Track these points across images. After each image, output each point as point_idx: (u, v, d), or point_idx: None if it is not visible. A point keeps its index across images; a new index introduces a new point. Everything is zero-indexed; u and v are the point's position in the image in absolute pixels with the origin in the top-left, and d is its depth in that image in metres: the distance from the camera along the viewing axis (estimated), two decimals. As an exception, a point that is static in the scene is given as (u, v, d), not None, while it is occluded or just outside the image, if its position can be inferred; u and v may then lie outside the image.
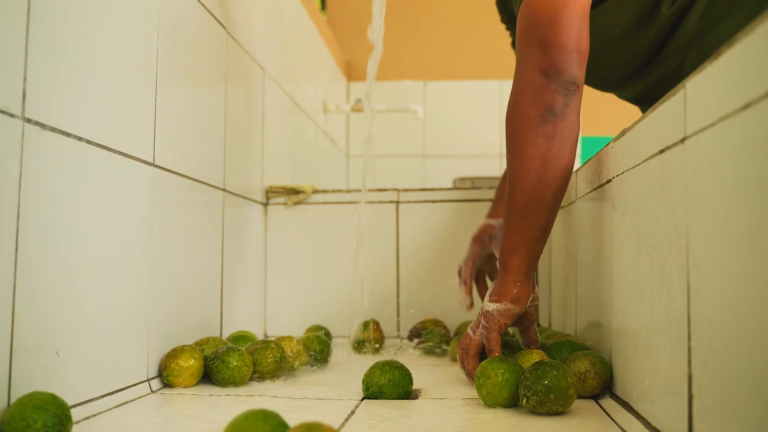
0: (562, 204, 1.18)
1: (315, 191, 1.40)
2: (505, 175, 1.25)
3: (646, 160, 0.65)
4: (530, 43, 0.90)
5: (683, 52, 1.05)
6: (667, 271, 0.59)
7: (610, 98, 2.70)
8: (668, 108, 0.58)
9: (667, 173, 0.59)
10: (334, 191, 1.42)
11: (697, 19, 1.01)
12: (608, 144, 0.82)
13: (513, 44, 1.26)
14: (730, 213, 0.45)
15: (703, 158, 0.50)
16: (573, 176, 1.08)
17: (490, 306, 0.91)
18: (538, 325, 1.21)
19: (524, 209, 0.89)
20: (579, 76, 0.89)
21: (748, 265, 0.42)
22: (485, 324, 0.90)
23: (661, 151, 0.60)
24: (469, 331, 0.93)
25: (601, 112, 2.64)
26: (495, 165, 2.51)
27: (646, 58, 1.09)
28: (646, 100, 1.17)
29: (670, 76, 1.08)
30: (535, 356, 0.87)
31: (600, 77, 1.15)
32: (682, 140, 0.54)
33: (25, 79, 0.60)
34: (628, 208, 0.73)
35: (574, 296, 1.07)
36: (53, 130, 0.65)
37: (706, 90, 0.50)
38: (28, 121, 0.61)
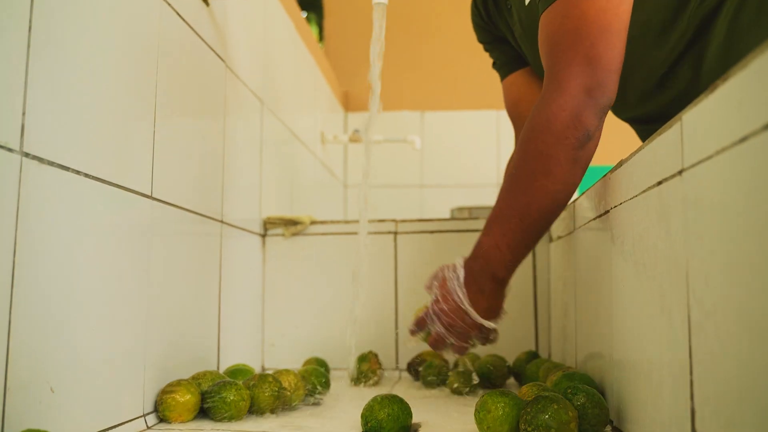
0: (561, 234, 1.18)
1: (313, 222, 1.40)
2: (506, 173, 1.16)
3: (645, 191, 0.65)
4: (575, 56, 0.85)
5: (700, 62, 0.98)
6: (667, 303, 0.58)
7: (607, 127, 2.70)
8: (665, 140, 0.58)
9: (665, 205, 0.59)
10: (332, 222, 1.42)
11: (725, 26, 0.94)
12: (606, 174, 0.82)
13: (494, 65, 1.25)
14: (730, 247, 0.45)
15: (702, 191, 0.50)
16: (571, 206, 1.08)
17: (486, 323, 0.94)
18: (537, 356, 1.21)
19: (534, 228, 0.89)
20: (614, 99, 0.87)
21: (749, 299, 0.42)
22: (471, 335, 0.95)
23: (659, 183, 0.60)
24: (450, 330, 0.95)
25: (602, 140, 2.65)
26: (492, 194, 2.51)
27: (667, 67, 1.01)
28: (654, 120, 1.10)
29: (684, 94, 1.01)
30: (535, 389, 0.86)
31: (622, 94, 1.06)
32: (680, 172, 0.55)
33: (24, 113, 0.60)
34: (627, 239, 0.73)
35: (574, 327, 1.07)
36: (51, 164, 0.65)
37: (703, 122, 0.50)
38: (26, 155, 0.61)
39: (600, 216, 0.85)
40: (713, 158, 0.47)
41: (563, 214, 1.15)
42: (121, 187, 0.79)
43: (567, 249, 1.12)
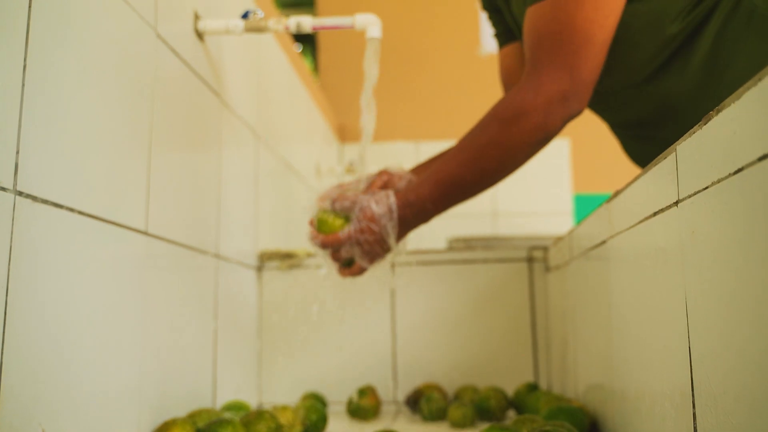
0: (559, 263, 1.17)
1: (309, 255, 1.40)
2: (450, 151, 1.15)
3: (641, 221, 0.65)
4: (556, 60, 0.89)
5: (684, 70, 0.97)
6: (667, 335, 0.58)
7: (601, 155, 2.72)
8: (660, 170, 0.58)
9: (662, 236, 0.59)
10: (328, 254, 1.41)
11: (712, 37, 0.94)
12: (602, 205, 0.82)
13: (494, 34, 1.23)
14: (729, 278, 0.45)
15: (699, 222, 0.50)
16: (568, 237, 1.08)
17: (396, 247, 1.02)
18: (537, 388, 1.19)
19: (469, 197, 0.99)
20: (583, 109, 0.92)
21: (750, 331, 0.42)
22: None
23: (655, 213, 0.60)
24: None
25: (592, 169, 2.67)
26: (488, 224, 2.51)
27: (650, 72, 1.00)
28: (638, 125, 1.10)
29: (667, 102, 1.01)
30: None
31: (604, 97, 1.08)
32: (676, 203, 0.54)
33: (17, 152, 0.60)
34: (624, 270, 0.72)
35: (574, 358, 1.06)
36: (45, 202, 0.64)
37: (697, 154, 0.50)
38: (20, 194, 0.60)
39: (597, 246, 0.85)
40: (709, 189, 0.47)
41: (560, 244, 1.15)
42: (115, 224, 0.78)
43: (564, 278, 1.12)
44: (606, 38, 0.89)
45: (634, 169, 2.89)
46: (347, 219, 1.03)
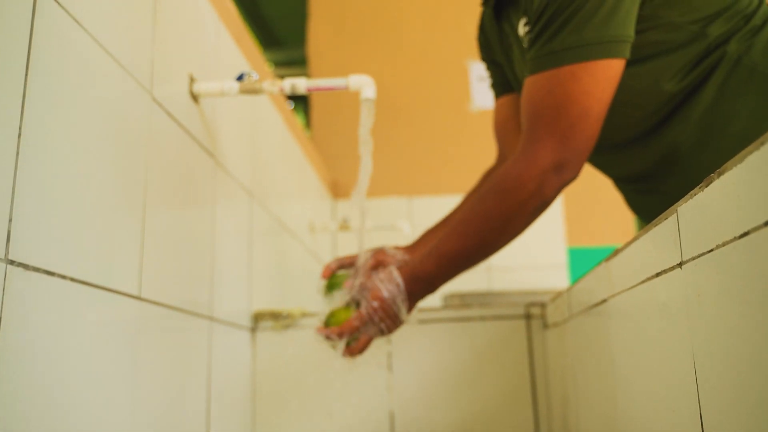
0: (557, 321, 1.16)
1: (304, 314, 1.38)
2: (446, 220, 1.25)
3: (643, 282, 0.64)
4: (553, 132, 0.91)
5: (686, 123, 0.98)
6: (675, 396, 0.57)
7: (594, 208, 2.73)
8: (661, 231, 0.58)
9: (666, 297, 0.58)
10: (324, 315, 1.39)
11: (714, 91, 0.95)
12: (601, 264, 0.81)
13: (491, 84, 1.25)
14: (740, 343, 0.44)
15: (704, 284, 0.49)
16: (566, 294, 1.06)
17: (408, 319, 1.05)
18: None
19: (474, 265, 1.02)
20: (578, 176, 0.95)
21: (764, 397, 0.41)
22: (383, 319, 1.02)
23: (658, 274, 0.60)
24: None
25: (585, 222, 2.68)
26: (483, 278, 2.50)
27: (651, 127, 1.01)
28: (640, 179, 1.10)
29: (670, 156, 1.01)
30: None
31: (605, 152, 1.08)
32: (680, 264, 0.54)
33: (10, 220, 0.59)
34: (627, 330, 0.71)
35: (576, 417, 1.03)
36: (37, 270, 0.63)
37: (700, 216, 0.50)
38: (12, 263, 0.59)
39: (598, 305, 0.84)
40: (714, 252, 0.47)
41: (558, 301, 1.14)
42: (108, 290, 0.77)
43: (564, 336, 1.10)
44: (602, 110, 0.91)
45: (626, 223, 2.89)
46: (352, 305, 1.06)
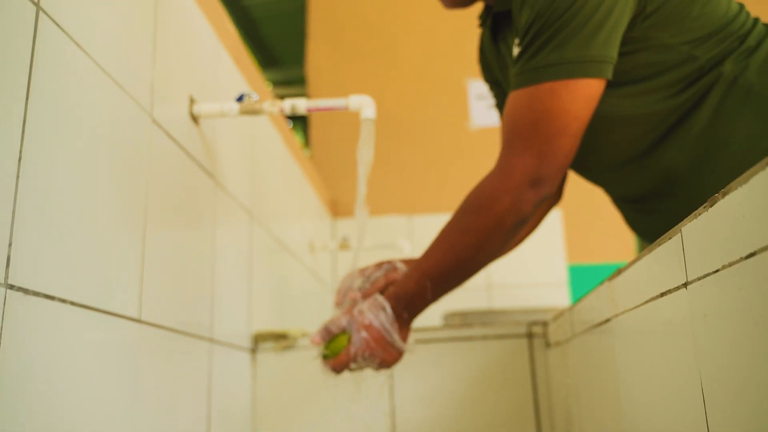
0: (559, 340, 1.15)
1: (304, 335, 1.37)
2: (433, 241, 1.22)
3: (647, 301, 0.64)
4: (529, 147, 0.91)
5: (684, 142, 0.98)
6: (682, 415, 0.56)
7: (593, 225, 2.72)
8: (665, 251, 0.58)
9: (671, 317, 0.57)
10: (323, 334, 1.38)
11: (710, 111, 0.95)
12: (603, 283, 0.81)
13: (497, 105, 1.26)
14: (748, 364, 0.44)
15: (711, 304, 0.49)
16: (568, 313, 1.06)
17: (405, 348, 1.01)
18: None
19: (455, 285, 1.00)
20: (554, 191, 0.95)
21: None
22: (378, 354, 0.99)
23: (663, 294, 0.59)
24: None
25: (585, 239, 2.67)
26: (483, 296, 2.49)
27: (649, 146, 1.01)
28: (640, 200, 1.10)
29: (670, 175, 1.01)
30: None
31: (603, 172, 1.09)
32: (685, 285, 0.53)
33: (10, 244, 0.59)
34: (632, 349, 0.71)
35: (580, 439, 1.02)
36: (36, 294, 0.62)
37: (704, 236, 0.49)
38: (11, 287, 0.59)
39: (601, 324, 0.84)
40: (720, 273, 0.47)
41: (561, 320, 1.13)
42: (108, 313, 0.76)
43: (567, 355, 1.09)
44: (580, 128, 0.92)
45: (626, 240, 2.88)
46: (348, 333, 1.03)
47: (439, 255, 0.98)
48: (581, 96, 0.90)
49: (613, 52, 0.91)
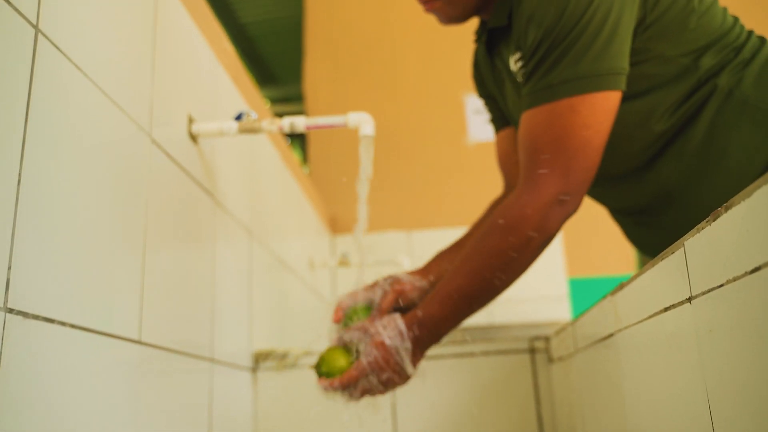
0: (562, 355, 1.15)
1: (305, 353, 1.36)
2: (460, 242, 1.19)
3: (651, 316, 0.63)
4: (555, 164, 0.90)
5: (681, 156, 0.98)
6: (690, 427, 0.55)
7: (592, 239, 2.71)
8: (668, 266, 0.57)
9: (676, 331, 0.57)
10: (325, 352, 1.37)
11: (706, 125, 0.96)
12: (606, 297, 0.81)
13: (490, 119, 1.26)
14: (755, 378, 0.43)
15: (716, 319, 0.49)
16: (570, 328, 1.05)
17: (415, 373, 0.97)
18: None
19: (480, 307, 0.97)
20: (579, 208, 0.94)
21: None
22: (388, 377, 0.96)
23: (666, 309, 0.59)
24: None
25: (584, 253, 2.67)
26: (483, 312, 2.48)
27: (646, 160, 1.01)
28: (638, 212, 1.10)
29: (667, 188, 1.01)
30: None
31: (602, 184, 1.08)
32: (689, 299, 0.53)
33: (9, 268, 0.58)
34: (637, 364, 0.70)
35: (585, 455, 1.01)
36: (36, 317, 0.62)
37: (708, 250, 0.49)
38: (11, 311, 0.58)
39: (604, 339, 0.83)
40: (725, 287, 0.46)
41: (563, 334, 1.13)
42: (108, 335, 0.76)
43: (570, 371, 1.09)
44: (602, 142, 0.91)
45: (626, 253, 2.87)
46: (354, 352, 0.99)
47: (465, 277, 0.95)
48: (601, 109, 0.90)
49: (626, 63, 0.92)
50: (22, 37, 0.63)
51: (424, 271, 1.13)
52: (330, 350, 1.01)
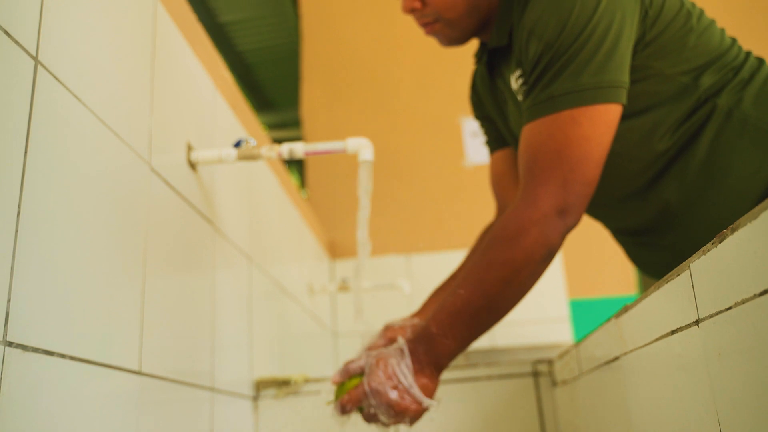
0: (566, 378, 1.13)
1: (306, 380, 1.35)
2: (454, 275, 1.18)
3: (657, 339, 0.63)
4: (554, 176, 0.89)
5: (683, 175, 0.98)
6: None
7: (593, 260, 2.70)
8: (674, 288, 0.57)
9: (684, 355, 0.56)
10: (327, 380, 1.36)
11: (708, 144, 0.96)
12: (610, 320, 0.80)
13: (485, 141, 1.26)
14: (765, 399, 0.43)
15: (725, 342, 0.48)
16: (574, 351, 1.04)
17: (426, 401, 0.92)
18: None
19: (484, 326, 0.93)
20: (579, 221, 0.92)
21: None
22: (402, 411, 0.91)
23: (673, 332, 0.58)
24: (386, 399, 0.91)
25: (585, 274, 2.66)
26: (486, 335, 2.46)
27: (649, 180, 1.01)
28: (641, 233, 1.09)
29: (670, 208, 1.01)
30: None
31: (604, 203, 1.07)
32: (696, 322, 0.53)
33: (9, 300, 0.58)
34: (644, 386, 0.69)
35: (592, 480, 1.00)
36: (35, 350, 0.61)
37: (715, 272, 0.49)
38: (10, 344, 0.58)
39: (610, 362, 0.82)
40: (733, 310, 0.46)
41: (567, 357, 1.12)
42: (108, 366, 0.75)
43: (575, 394, 1.07)
44: (602, 155, 0.91)
45: (627, 273, 2.85)
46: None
47: (465, 292, 0.91)
48: (601, 122, 0.90)
49: (627, 77, 0.92)
50: (22, 68, 0.63)
51: (421, 313, 1.13)
52: (351, 379, 0.98)
